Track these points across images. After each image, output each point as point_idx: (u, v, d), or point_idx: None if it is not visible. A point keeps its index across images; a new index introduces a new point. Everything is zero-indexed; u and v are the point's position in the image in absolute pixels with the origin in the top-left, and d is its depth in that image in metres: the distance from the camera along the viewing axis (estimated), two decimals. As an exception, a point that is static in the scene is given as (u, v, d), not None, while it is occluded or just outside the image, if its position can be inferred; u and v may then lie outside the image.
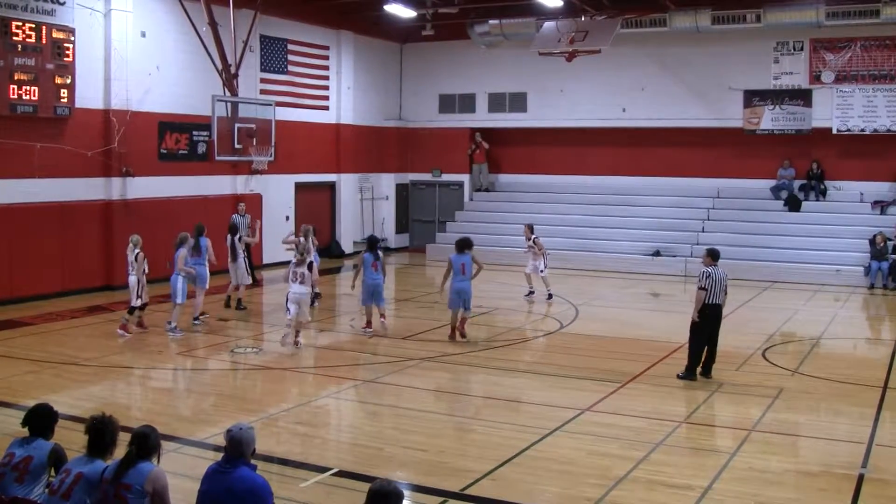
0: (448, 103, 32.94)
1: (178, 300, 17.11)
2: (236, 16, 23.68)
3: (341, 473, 9.54)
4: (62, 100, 20.49)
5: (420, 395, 13.17)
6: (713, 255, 14.14)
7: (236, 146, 23.73)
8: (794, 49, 27.68)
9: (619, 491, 9.15)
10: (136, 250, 16.96)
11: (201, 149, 24.73)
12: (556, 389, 13.56)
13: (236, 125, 23.66)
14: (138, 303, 16.95)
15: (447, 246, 30.16)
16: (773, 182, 28.65)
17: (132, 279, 16.95)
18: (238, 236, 20.21)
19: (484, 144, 32.13)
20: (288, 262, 17.04)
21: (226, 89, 23.72)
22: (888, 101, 26.53)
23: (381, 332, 17.56)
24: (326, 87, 29.93)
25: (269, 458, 9.51)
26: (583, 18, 26.39)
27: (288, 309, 16.07)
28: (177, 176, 24.06)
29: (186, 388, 13.91)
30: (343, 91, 30.35)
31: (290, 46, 28.19)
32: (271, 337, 17.70)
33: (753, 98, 28.27)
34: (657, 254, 27.35)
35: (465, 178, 32.80)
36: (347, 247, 30.34)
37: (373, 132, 32.01)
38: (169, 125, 23.82)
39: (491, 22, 29.66)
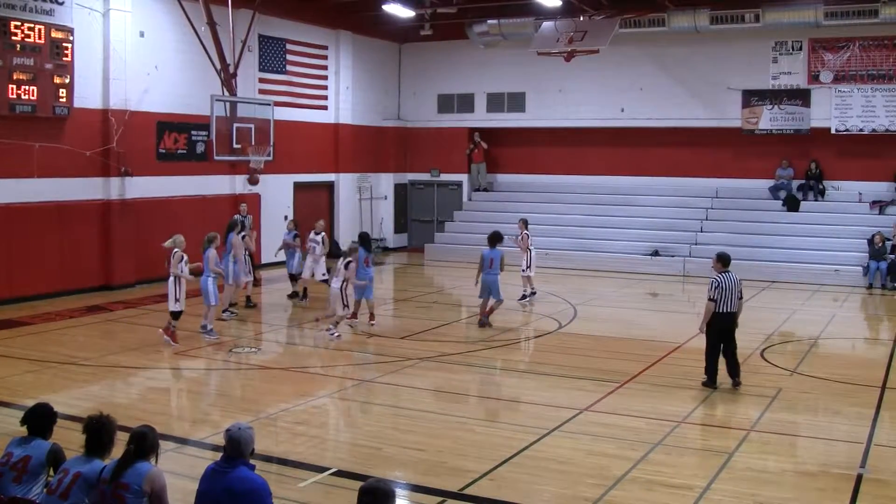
0: (447, 103, 32.94)
1: (212, 301, 16.98)
2: (235, 15, 23.65)
3: (340, 473, 9.55)
4: (61, 99, 20.47)
5: (418, 395, 13.17)
6: (723, 260, 13.52)
7: (235, 146, 23.72)
8: (793, 49, 27.68)
9: (618, 491, 9.15)
10: (175, 249, 16.46)
11: (200, 148, 24.72)
12: (554, 389, 13.56)
13: (235, 125, 23.63)
14: (177, 307, 16.26)
15: (446, 246, 30.41)
16: (771, 182, 28.65)
17: (170, 280, 16.39)
18: (242, 235, 20.20)
19: (483, 144, 32.13)
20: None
21: (224, 89, 23.69)
22: (887, 100, 26.54)
23: (368, 330, 17.78)
24: (325, 87, 29.93)
25: (267, 458, 9.52)
26: (581, 18, 26.39)
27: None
28: (175, 176, 24.05)
29: (185, 387, 13.90)
30: (342, 91, 30.35)
31: (289, 46, 28.19)
32: (270, 337, 17.74)
33: (752, 98, 28.27)
34: (656, 253, 27.35)
35: (463, 177, 32.81)
36: (346, 246, 30.25)
37: (371, 132, 32.01)
38: (167, 125, 23.82)
39: (489, 22, 29.65)
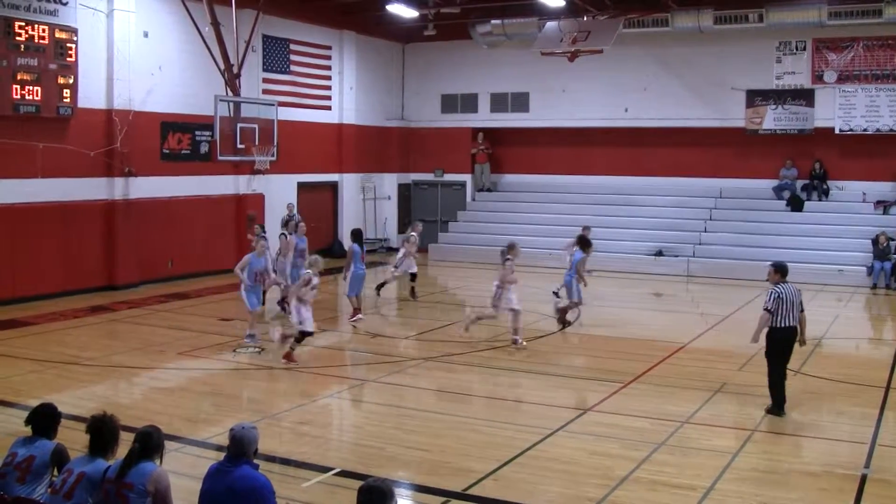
0: (450, 103, 32.94)
1: (254, 307, 16.55)
2: (238, 16, 23.66)
3: (343, 473, 9.55)
4: (65, 100, 20.50)
5: (422, 395, 13.18)
6: (781, 270, 12.19)
7: (238, 146, 23.73)
8: (797, 49, 27.65)
9: (622, 491, 9.14)
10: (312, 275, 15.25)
11: (203, 149, 24.73)
12: (558, 389, 13.56)
13: (238, 125, 23.65)
14: (310, 328, 15.07)
15: (449, 246, 30.40)
16: (775, 182, 28.63)
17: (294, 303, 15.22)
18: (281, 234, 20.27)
19: (485, 151, 32.12)
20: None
21: (228, 89, 23.69)
22: (891, 100, 26.50)
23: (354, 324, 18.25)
24: (329, 87, 29.94)
25: (271, 458, 9.52)
26: (585, 18, 26.38)
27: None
28: (179, 176, 24.07)
29: (189, 387, 13.90)
30: (345, 91, 30.36)
31: (293, 46, 28.21)
32: (273, 336, 17.73)
33: (756, 98, 28.25)
34: (659, 254, 27.33)
35: (467, 178, 32.81)
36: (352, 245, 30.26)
37: (375, 132, 32.02)
38: (171, 125, 23.84)
39: (493, 22, 29.64)
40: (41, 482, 6.87)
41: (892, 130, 26.53)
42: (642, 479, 9.51)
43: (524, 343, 16.18)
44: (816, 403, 12.92)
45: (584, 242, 18.57)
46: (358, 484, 5.63)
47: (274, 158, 25.00)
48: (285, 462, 9.89)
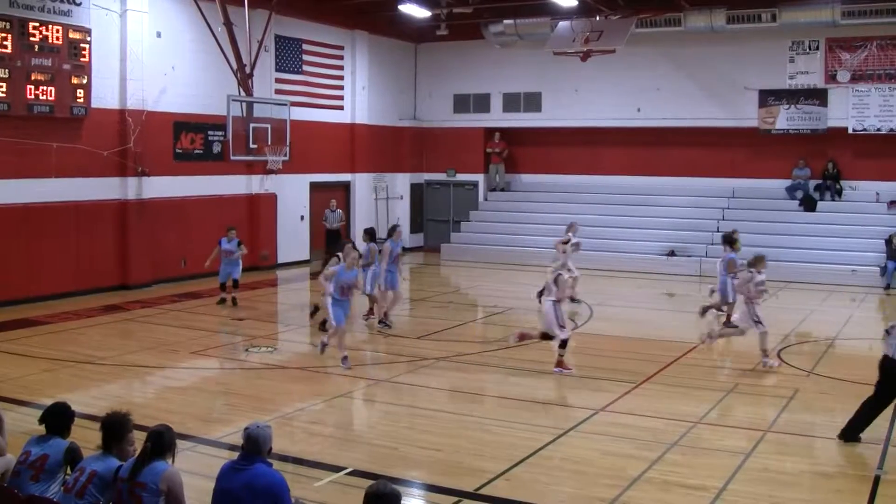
0: (463, 103, 32.94)
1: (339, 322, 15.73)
2: (251, 16, 23.74)
3: (356, 473, 9.56)
4: (78, 100, 20.58)
5: (435, 395, 13.18)
6: None
7: (251, 146, 23.79)
8: (810, 48, 27.57)
9: (634, 491, 9.13)
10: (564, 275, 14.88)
11: (216, 148, 24.79)
12: (570, 389, 13.55)
13: (251, 125, 23.72)
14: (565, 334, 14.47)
15: (461, 245, 30.40)
16: (788, 182, 28.54)
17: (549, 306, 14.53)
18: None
19: (498, 151, 32.15)
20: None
21: (241, 89, 23.77)
22: (904, 100, 26.42)
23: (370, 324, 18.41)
24: (341, 87, 29.96)
25: (283, 458, 9.52)
26: (597, 18, 26.34)
27: None
28: (192, 176, 24.14)
29: (201, 387, 13.93)
30: (358, 91, 30.38)
31: (305, 46, 28.24)
32: (286, 336, 17.77)
33: (769, 98, 28.16)
34: (672, 254, 27.28)
35: (479, 177, 32.82)
36: (361, 247, 30.17)
37: (387, 132, 32.05)
38: (184, 125, 23.90)
39: (505, 22, 29.64)
40: (55, 481, 6.91)
41: (905, 130, 26.45)
42: (655, 479, 9.49)
43: (775, 363, 14.90)
44: (829, 404, 12.87)
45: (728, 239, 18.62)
46: (370, 483, 5.64)
47: (286, 158, 25.06)
48: (298, 461, 9.90)
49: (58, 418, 7.21)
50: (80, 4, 20.59)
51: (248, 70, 23.84)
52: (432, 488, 9.27)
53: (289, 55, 27.56)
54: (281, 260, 26.89)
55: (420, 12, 27.06)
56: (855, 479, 9.62)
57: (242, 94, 23.76)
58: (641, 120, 29.78)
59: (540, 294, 18.85)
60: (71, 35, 20.29)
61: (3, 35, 18.95)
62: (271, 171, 25.51)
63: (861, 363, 15.77)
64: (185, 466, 7.30)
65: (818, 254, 25.59)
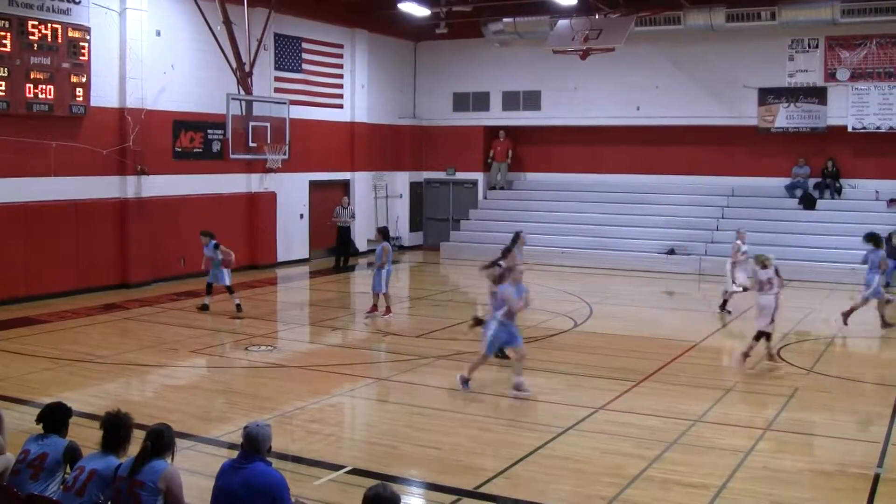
0: (462, 101, 32.93)
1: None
2: (251, 14, 23.73)
3: (355, 471, 9.57)
4: (77, 98, 20.57)
5: (434, 394, 13.17)
6: None
7: (250, 145, 23.79)
8: (809, 47, 27.56)
9: (634, 490, 9.14)
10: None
11: (216, 147, 24.78)
12: (570, 388, 13.55)
13: (251, 123, 23.72)
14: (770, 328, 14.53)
15: (461, 244, 30.39)
16: (787, 180, 28.55)
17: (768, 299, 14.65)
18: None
19: (500, 151, 32.19)
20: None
21: (240, 88, 23.77)
22: (904, 98, 26.42)
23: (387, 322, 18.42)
24: (340, 86, 29.94)
25: (283, 456, 9.53)
26: (597, 16, 26.31)
27: None
28: (191, 174, 24.12)
29: (201, 385, 13.93)
30: (357, 89, 30.37)
31: (305, 45, 28.22)
32: (285, 335, 17.76)
33: (768, 96, 28.16)
34: (672, 252, 27.28)
35: (479, 176, 32.81)
36: (361, 245, 30.31)
37: (387, 130, 32.04)
38: (183, 124, 23.88)
39: (505, 20, 29.64)
40: (54, 479, 6.91)
41: (905, 128, 26.45)
42: (654, 477, 9.49)
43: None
44: (829, 402, 12.89)
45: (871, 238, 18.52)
46: (370, 482, 5.64)
47: (286, 157, 25.07)
48: (297, 460, 9.90)
49: (56, 417, 7.20)
50: (79, 3, 20.57)
51: (247, 68, 23.84)
52: (432, 487, 9.27)
53: (288, 54, 27.54)
54: (280, 259, 26.88)
55: (420, 11, 27.07)
56: (855, 478, 9.61)
57: (242, 92, 23.76)
58: (641, 118, 29.77)
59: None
60: (70, 33, 20.28)
61: (3, 33, 18.92)
62: (271, 170, 25.52)
63: (861, 361, 15.84)
64: (184, 465, 7.31)
65: (817, 252, 25.59)
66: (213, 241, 19.29)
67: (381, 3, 27.78)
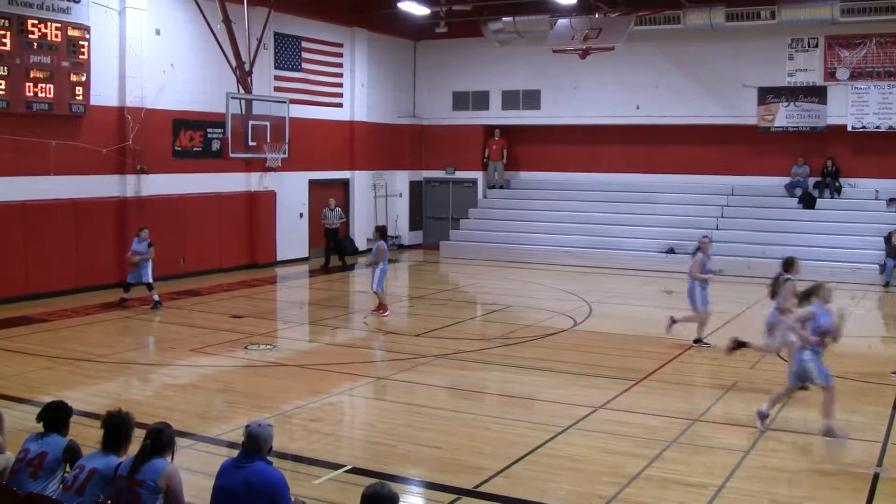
0: (462, 100, 32.93)
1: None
2: (250, 13, 23.72)
3: (355, 470, 9.56)
4: (77, 97, 20.57)
5: (434, 393, 13.18)
6: None
7: (250, 143, 23.79)
8: (809, 46, 27.56)
9: (633, 489, 9.13)
10: None
11: (215, 146, 24.78)
12: (569, 387, 13.54)
13: (250, 122, 23.71)
14: None
15: (461, 243, 30.39)
16: (787, 179, 28.56)
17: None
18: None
19: (495, 150, 32.19)
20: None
21: (240, 87, 23.76)
22: (904, 97, 26.41)
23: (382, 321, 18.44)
24: (340, 85, 29.94)
25: (282, 455, 9.51)
26: (597, 16, 26.34)
27: None
28: (191, 173, 24.12)
29: (200, 384, 13.93)
30: (357, 88, 30.36)
31: (304, 44, 28.22)
32: (285, 334, 17.76)
33: (768, 95, 28.16)
34: (671, 251, 27.28)
35: (478, 175, 32.81)
36: (361, 244, 30.32)
37: (387, 129, 32.04)
38: (183, 122, 23.88)
39: (504, 19, 29.63)
40: (53, 478, 6.91)
41: (904, 128, 26.44)
42: (654, 476, 9.49)
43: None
44: (829, 402, 12.87)
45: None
46: (369, 481, 5.64)
47: (285, 156, 25.07)
48: (297, 459, 9.90)
49: (56, 416, 7.20)
50: (79, 2, 20.58)
51: (247, 67, 23.83)
52: (431, 486, 9.26)
53: (288, 52, 27.54)
54: (280, 258, 26.87)
55: (419, 10, 27.08)
56: (854, 477, 9.61)
57: (241, 91, 23.75)
58: (640, 117, 29.78)
59: None
60: (70, 32, 20.27)
61: (2, 32, 18.92)
62: (270, 169, 25.52)
63: (860, 361, 15.81)
64: (184, 464, 7.31)
65: (817, 251, 25.54)
66: (150, 241, 19.52)
67: (381, 2, 27.80)
